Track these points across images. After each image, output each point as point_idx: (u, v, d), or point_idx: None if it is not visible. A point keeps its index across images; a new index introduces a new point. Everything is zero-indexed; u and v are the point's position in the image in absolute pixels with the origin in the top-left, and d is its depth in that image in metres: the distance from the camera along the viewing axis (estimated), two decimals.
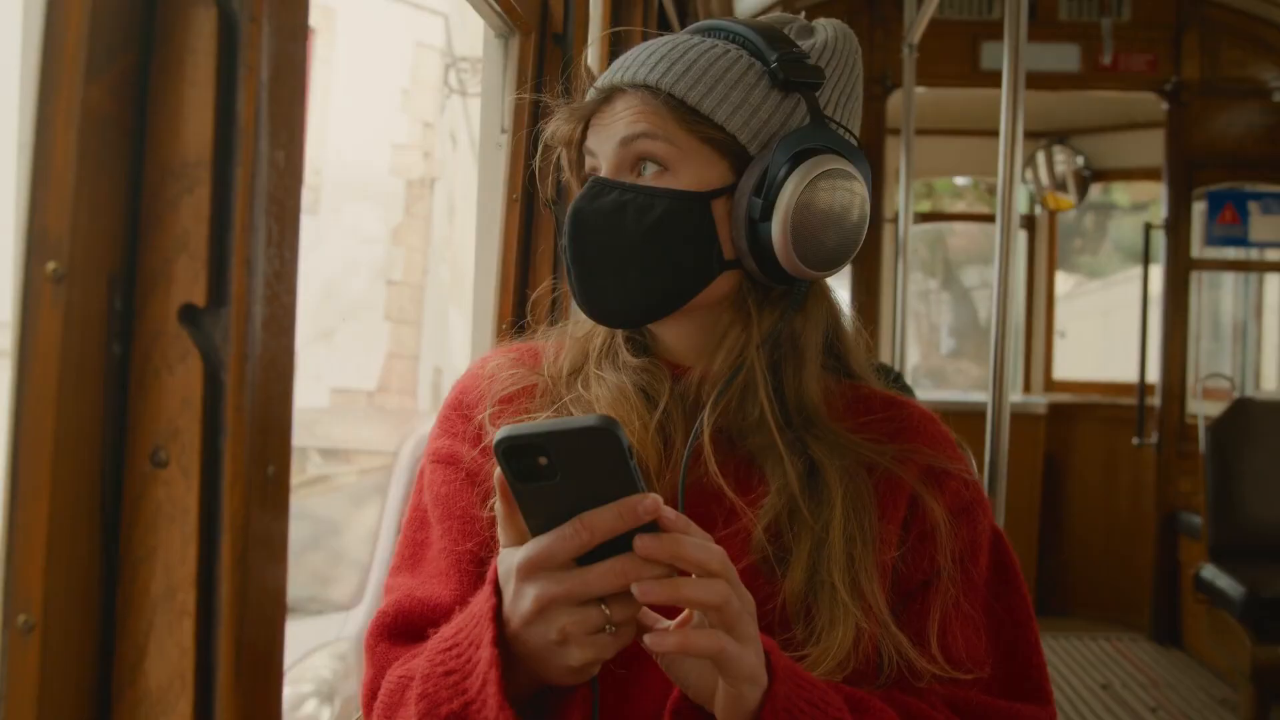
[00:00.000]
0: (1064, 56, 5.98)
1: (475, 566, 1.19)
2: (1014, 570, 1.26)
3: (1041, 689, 1.23)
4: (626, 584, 0.90)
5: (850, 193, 1.16)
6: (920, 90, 4.63)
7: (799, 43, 1.20)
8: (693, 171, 1.16)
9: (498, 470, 0.91)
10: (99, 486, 0.73)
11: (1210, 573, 4.67)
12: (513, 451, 0.87)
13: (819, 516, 1.14)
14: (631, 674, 1.02)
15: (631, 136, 1.16)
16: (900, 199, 4.30)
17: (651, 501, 0.90)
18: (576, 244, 1.18)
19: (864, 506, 1.16)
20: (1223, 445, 5.01)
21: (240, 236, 0.73)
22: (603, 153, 1.19)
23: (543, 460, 0.87)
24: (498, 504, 0.95)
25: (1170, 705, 5.23)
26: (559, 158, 1.29)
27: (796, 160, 1.14)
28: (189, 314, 0.74)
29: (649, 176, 1.16)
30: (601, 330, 1.27)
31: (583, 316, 1.29)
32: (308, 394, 10.04)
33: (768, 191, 1.13)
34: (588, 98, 1.23)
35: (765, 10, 4.94)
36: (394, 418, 9.50)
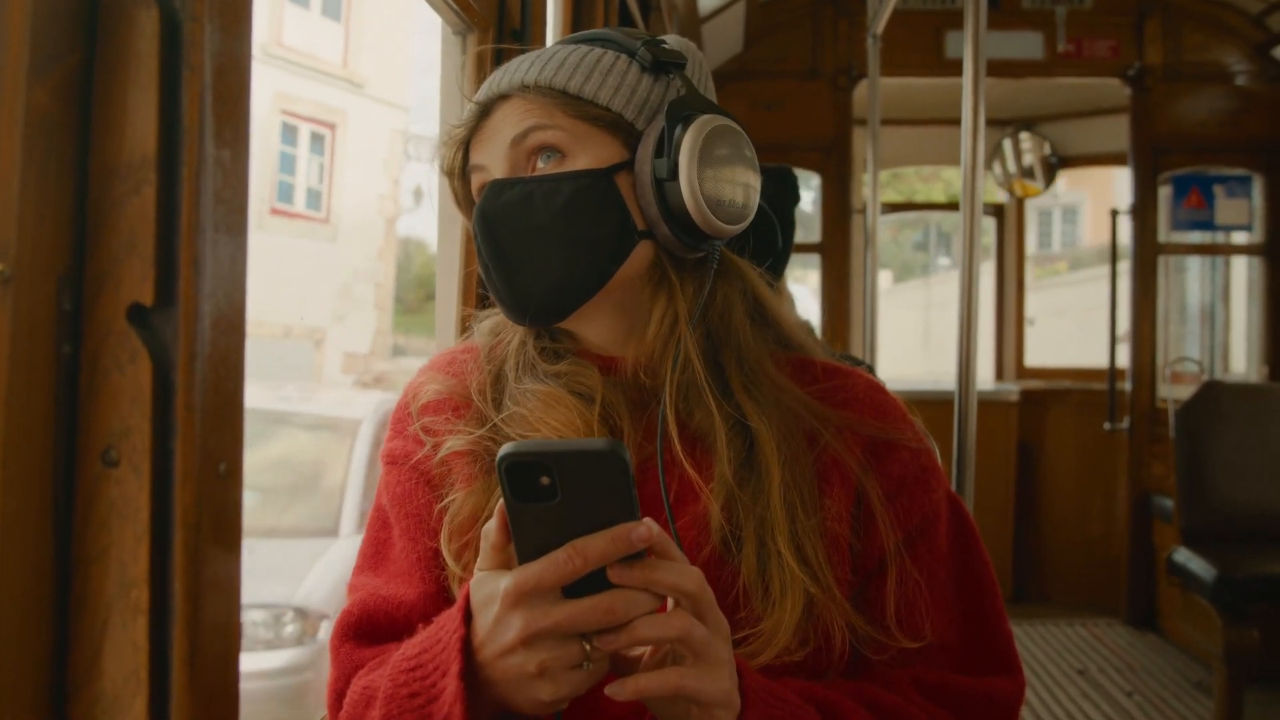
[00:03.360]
0: (1027, 44, 6.00)
1: (436, 564, 1.20)
2: (973, 538, 1.26)
3: (1009, 657, 1.23)
4: (614, 621, 0.90)
5: (742, 148, 1.20)
6: (886, 80, 4.64)
7: None
8: (589, 152, 1.18)
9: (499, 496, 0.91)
10: (50, 486, 0.73)
11: (1183, 556, 4.69)
12: (516, 469, 0.86)
13: (760, 488, 1.14)
14: (597, 699, 1.01)
15: (523, 133, 1.18)
16: (868, 189, 4.31)
17: (645, 530, 0.89)
18: (491, 243, 1.18)
19: (802, 473, 1.16)
20: (1192, 429, 5.04)
21: (187, 236, 0.73)
22: (493, 161, 1.21)
23: (545, 479, 0.86)
24: (489, 526, 0.94)
25: (1146, 689, 5.27)
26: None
27: (688, 120, 1.17)
28: (137, 313, 0.74)
29: (546, 167, 1.18)
30: (512, 347, 1.27)
31: (482, 338, 1.31)
32: (332, 356, 17.68)
33: (670, 151, 1.16)
34: (464, 115, 1.25)
35: (731, 3, 4.94)
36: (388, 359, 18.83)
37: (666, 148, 1.16)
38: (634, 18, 3.21)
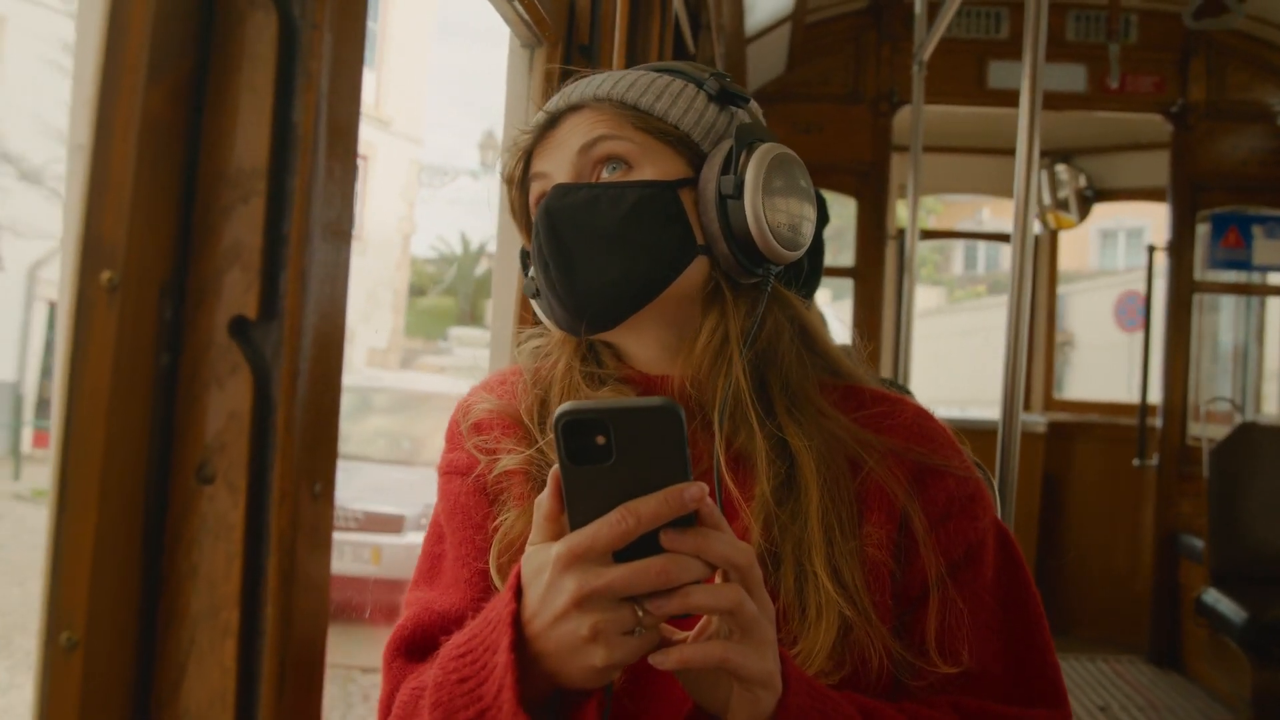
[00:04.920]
0: (1071, 77, 5.97)
1: (489, 576, 1.19)
2: (1021, 567, 1.25)
3: (1056, 689, 1.22)
4: (667, 584, 0.89)
5: (803, 179, 1.23)
6: (926, 107, 4.63)
7: None
8: (655, 165, 1.20)
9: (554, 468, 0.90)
10: (143, 501, 0.71)
11: (1212, 597, 4.66)
12: (572, 427, 0.86)
13: (798, 508, 1.14)
14: (645, 685, 1.00)
15: (592, 141, 1.20)
16: (908, 214, 4.29)
17: (697, 489, 0.88)
18: (554, 240, 1.19)
19: (841, 496, 1.16)
20: (1226, 469, 5.00)
21: (296, 248, 0.71)
22: (557, 168, 1.22)
23: (600, 439, 0.86)
24: (542, 497, 0.94)
25: None
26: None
27: (755, 144, 1.20)
28: (239, 326, 0.72)
29: (612, 177, 1.20)
30: (558, 372, 1.27)
31: (524, 361, 1.32)
32: (359, 352, 19.73)
33: (736, 169, 1.18)
34: (531, 124, 1.27)
35: (777, 24, 4.93)
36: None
37: (733, 166, 1.18)
38: (685, 35, 3.21)
